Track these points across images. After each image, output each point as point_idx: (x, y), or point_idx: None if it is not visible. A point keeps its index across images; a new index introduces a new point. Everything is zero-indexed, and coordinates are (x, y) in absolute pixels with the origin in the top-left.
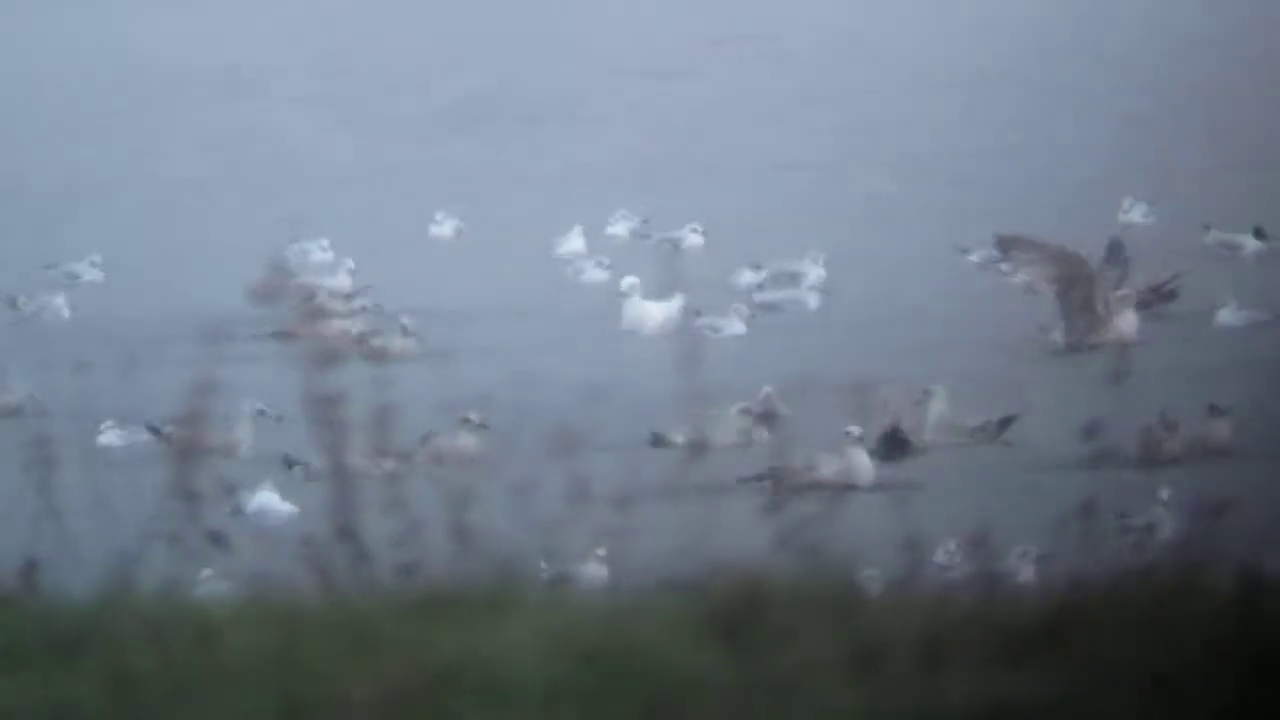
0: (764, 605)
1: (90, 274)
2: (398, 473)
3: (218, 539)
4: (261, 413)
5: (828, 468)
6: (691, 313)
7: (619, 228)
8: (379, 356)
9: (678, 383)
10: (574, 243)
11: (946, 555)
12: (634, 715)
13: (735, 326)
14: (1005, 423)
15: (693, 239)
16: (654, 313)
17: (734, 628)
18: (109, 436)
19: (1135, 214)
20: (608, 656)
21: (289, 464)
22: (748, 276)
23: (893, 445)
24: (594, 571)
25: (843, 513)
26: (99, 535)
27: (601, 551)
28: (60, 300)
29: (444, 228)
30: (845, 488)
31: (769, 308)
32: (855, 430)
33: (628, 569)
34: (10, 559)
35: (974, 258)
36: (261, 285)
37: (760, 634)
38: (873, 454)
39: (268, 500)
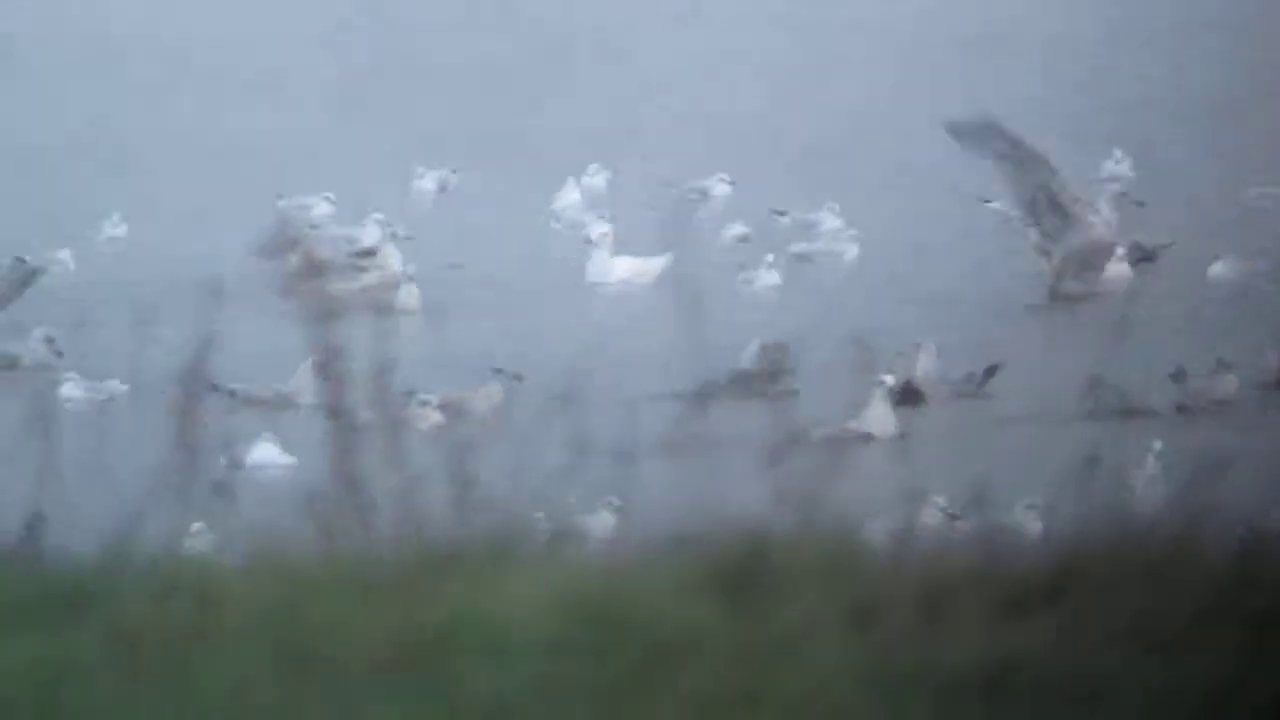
0: (765, 560)
1: (113, 231)
2: (400, 425)
3: (221, 492)
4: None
5: (851, 419)
6: (735, 266)
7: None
8: (385, 310)
9: (684, 336)
10: (570, 196)
11: (940, 509)
12: (634, 670)
13: (769, 277)
14: (989, 373)
15: (721, 188)
16: (620, 267)
17: (735, 583)
18: (70, 389)
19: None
20: (609, 611)
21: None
22: (781, 223)
23: (906, 396)
24: (604, 521)
25: (845, 466)
26: (101, 491)
27: (615, 501)
28: (66, 254)
29: (427, 181)
30: (865, 438)
31: (803, 259)
32: (889, 379)
33: (630, 524)
34: (12, 515)
35: (995, 205)
36: (270, 241)
37: (762, 589)
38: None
39: (267, 452)
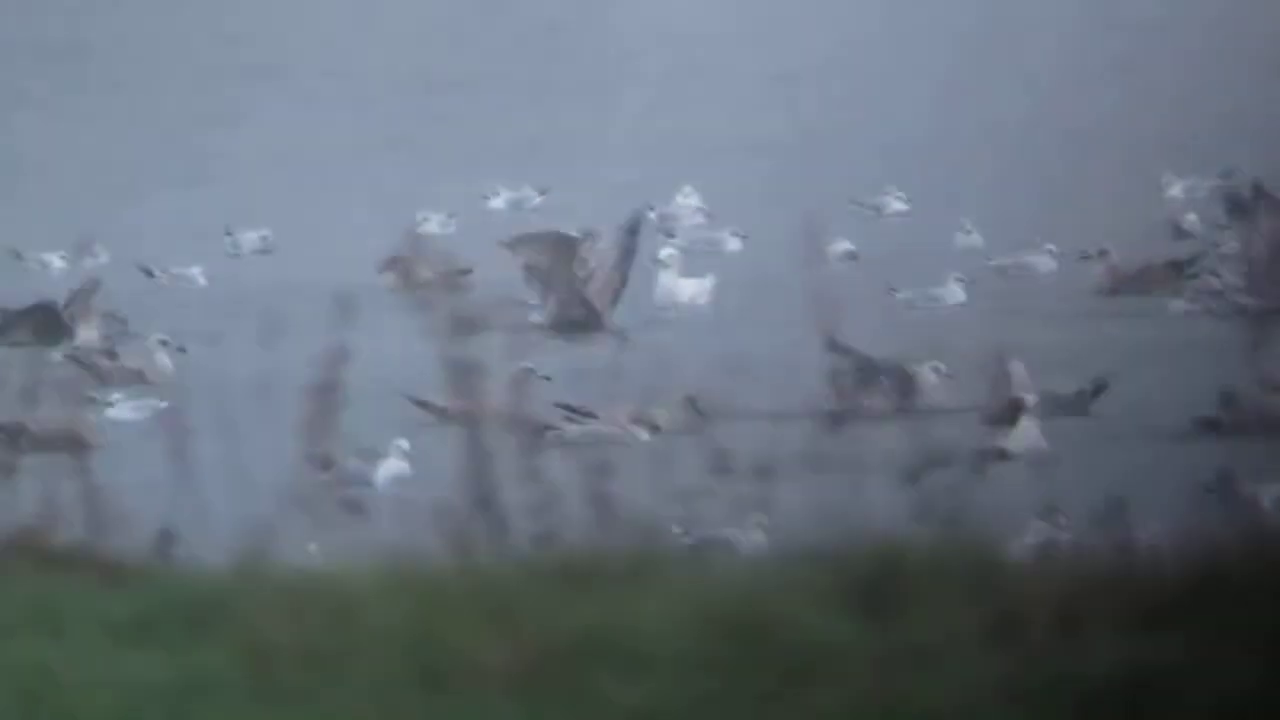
0: (903, 575)
1: (252, 243)
2: (536, 440)
3: (353, 507)
4: (530, 371)
5: (994, 436)
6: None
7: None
8: (508, 328)
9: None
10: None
11: (1057, 524)
12: (773, 685)
13: (955, 294)
14: (1098, 389)
15: (896, 205)
16: (686, 288)
17: (873, 597)
18: (121, 410)
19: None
20: (747, 626)
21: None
22: (966, 240)
23: (1013, 412)
24: (755, 539)
25: (980, 482)
26: (234, 505)
27: (761, 519)
28: (196, 270)
29: (499, 201)
30: (1006, 454)
31: (1000, 273)
32: (1031, 398)
33: (768, 539)
34: (146, 529)
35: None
36: (395, 256)
37: (899, 603)
38: (994, 421)
39: (400, 466)
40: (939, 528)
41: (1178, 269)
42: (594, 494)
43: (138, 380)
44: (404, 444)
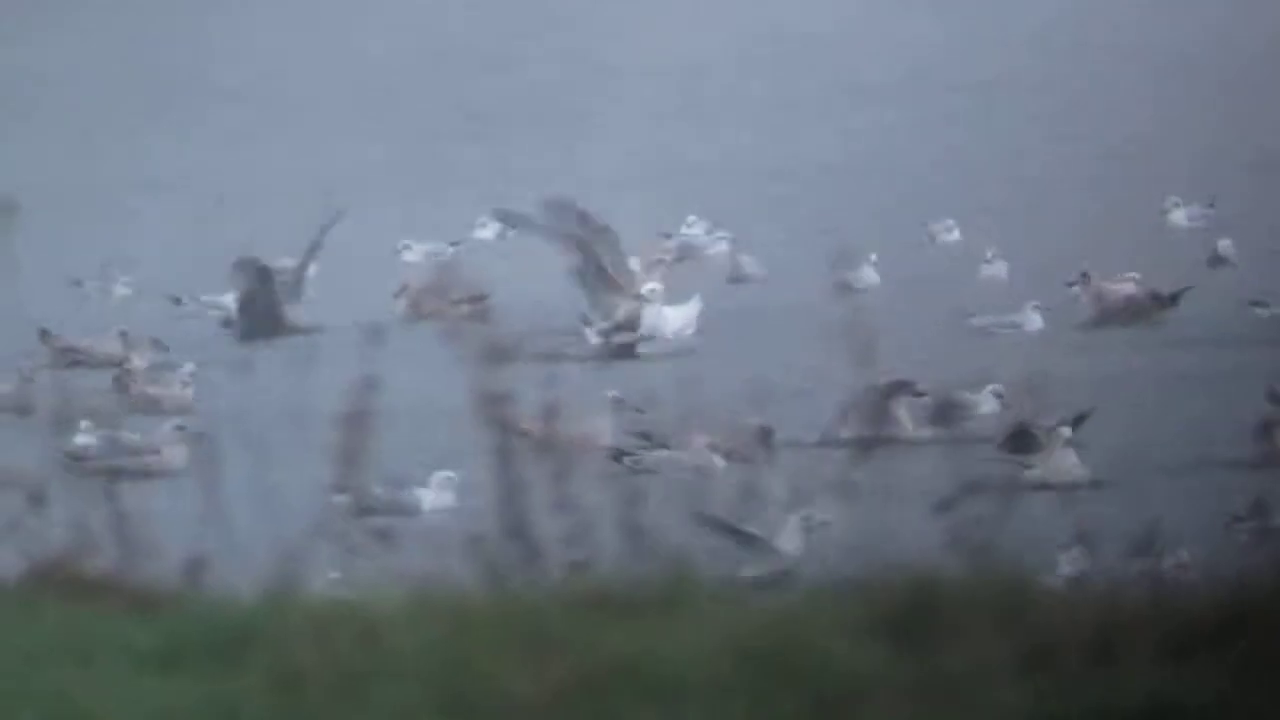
0: (935, 604)
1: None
2: (568, 469)
3: (383, 535)
4: (620, 401)
5: (1030, 466)
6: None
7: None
8: (546, 357)
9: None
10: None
11: (1089, 555)
12: (804, 715)
13: (1034, 321)
14: (1079, 421)
15: (950, 236)
16: (672, 318)
17: (905, 627)
18: (84, 438)
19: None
20: (778, 656)
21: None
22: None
23: (1020, 441)
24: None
25: (1013, 511)
26: (265, 533)
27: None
28: (228, 299)
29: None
30: (1045, 485)
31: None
32: (1067, 430)
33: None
34: (176, 557)
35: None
36: (424, 285)
37: (931, 633)
38: (1001, 449)
39: (435, 496)
40: (972, 557)
41: (1160, 301)
42: (627, 522)
43: (156, 409)
44: (450, 475)
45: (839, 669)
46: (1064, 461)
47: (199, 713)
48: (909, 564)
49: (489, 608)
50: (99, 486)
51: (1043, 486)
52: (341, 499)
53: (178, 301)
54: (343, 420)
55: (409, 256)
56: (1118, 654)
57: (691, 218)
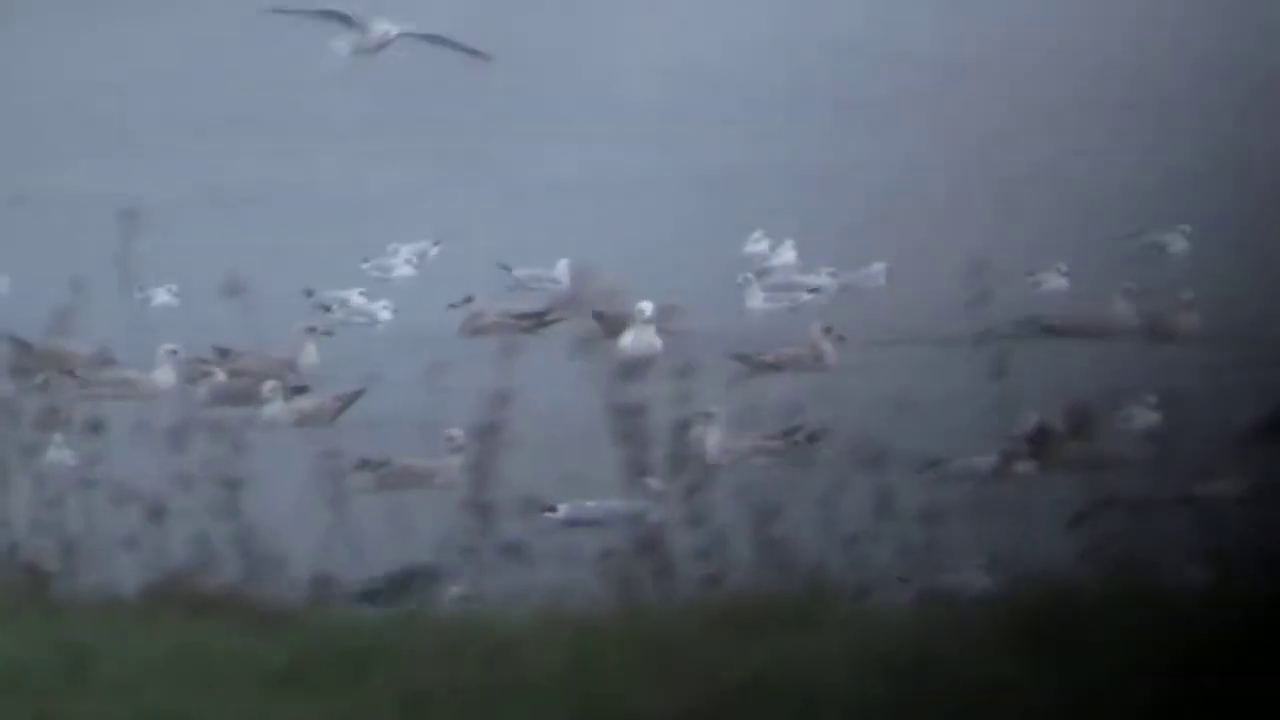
0: (1073, 618)
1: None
2: (699, 484)
3: (514, 551)
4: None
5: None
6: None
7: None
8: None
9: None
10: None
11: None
12: None
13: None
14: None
15: (1180, 243)
16: (647, 339)
17: (1040, 640)
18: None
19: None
20: (914, 670)
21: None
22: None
23: (1041, 442)
24: (979, 582)
25: (1149, 522)
26: (391, 549)
27: (981, 561)
28: (381, 305)
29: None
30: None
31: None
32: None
33: (935, 583)
34: (302, 573)
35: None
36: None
37: (1068, 646)
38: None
39: (581, 508)
40: (1108, 569)
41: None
42: (760, 537)
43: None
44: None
45: (975, 682)
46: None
47: None
48: (1045, 577)
49: (620, 625)
50: (222, 500)
51: (1193, 500)
52: (471, 514)
53: (327, 309)
54: (475, 434)
55: (396, 260)
56: (1254, 665)
57: (757, 233)
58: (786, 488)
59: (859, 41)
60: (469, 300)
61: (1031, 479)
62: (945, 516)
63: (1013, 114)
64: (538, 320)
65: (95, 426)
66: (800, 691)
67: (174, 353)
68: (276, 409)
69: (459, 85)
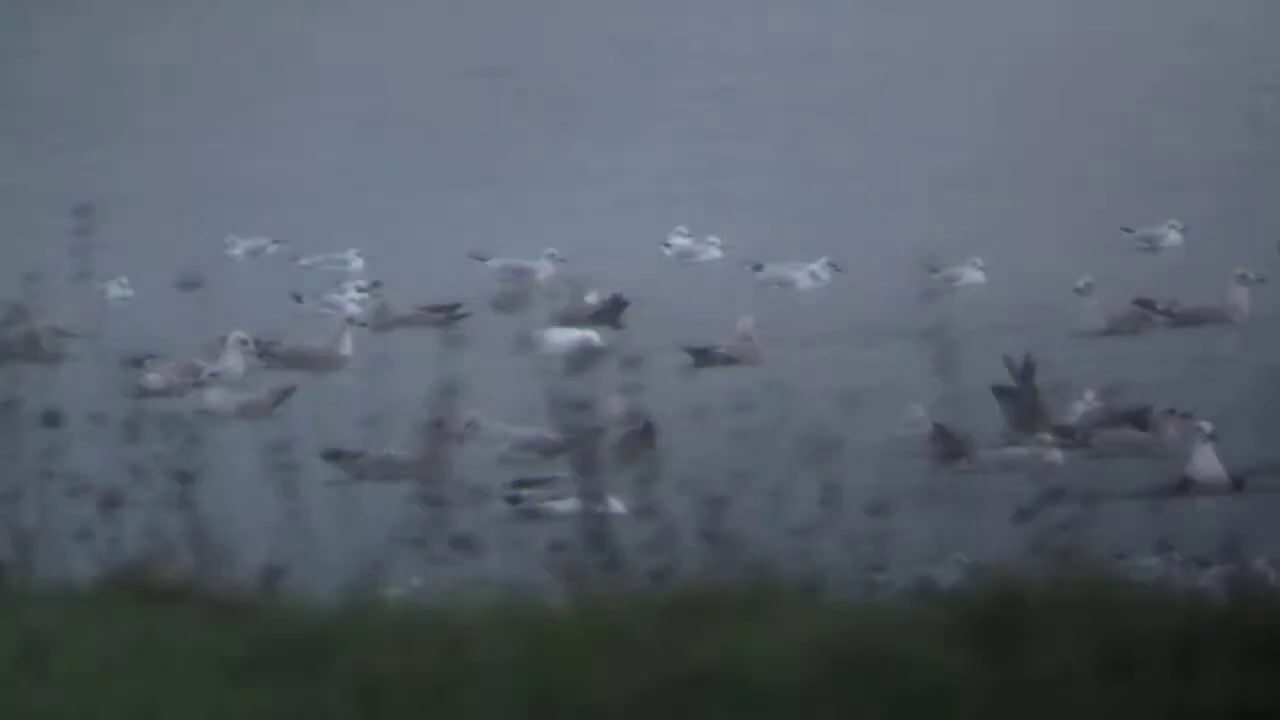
0: (1018, 609)
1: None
2: (649, 476)
3: (464, 544)
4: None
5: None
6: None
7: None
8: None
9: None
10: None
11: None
12: (888, 719)
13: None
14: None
15: (1173, 237)
16: (558, 339)
17: (987, 632)
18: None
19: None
20: (862, 661)
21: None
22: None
23: (1031, 419)
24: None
25: (1095, 516)
26: (343, 541)
27: (960, 556)
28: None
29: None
30: (1191, 485)
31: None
32: (1207, 426)
33: (885, 574)
34: (254, 565)
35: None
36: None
37: (1015, 637)
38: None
39: (532, 500)
40: (1055, 562)
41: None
42: (707, 529)
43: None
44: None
45: (922, 673)
46: (1207, 459)
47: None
48: (992, 568)
49: (571, 615)
50: (175, 491)
51: (1189, 485)
52: (423, 505)
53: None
54: (425, 426)
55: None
56: (1201, 658)
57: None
58: (735, 480)
59: (816, 40)
60: (376, 284)
61: (981, 468)
62: (895, 508)
63: (950, 113)
64: (448, 314)
65: (52, 419)
66: (749, 683)
67: (244, 342)
68: (217, 397)
69: None
